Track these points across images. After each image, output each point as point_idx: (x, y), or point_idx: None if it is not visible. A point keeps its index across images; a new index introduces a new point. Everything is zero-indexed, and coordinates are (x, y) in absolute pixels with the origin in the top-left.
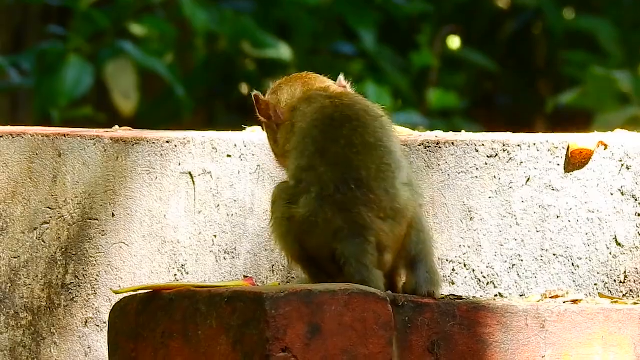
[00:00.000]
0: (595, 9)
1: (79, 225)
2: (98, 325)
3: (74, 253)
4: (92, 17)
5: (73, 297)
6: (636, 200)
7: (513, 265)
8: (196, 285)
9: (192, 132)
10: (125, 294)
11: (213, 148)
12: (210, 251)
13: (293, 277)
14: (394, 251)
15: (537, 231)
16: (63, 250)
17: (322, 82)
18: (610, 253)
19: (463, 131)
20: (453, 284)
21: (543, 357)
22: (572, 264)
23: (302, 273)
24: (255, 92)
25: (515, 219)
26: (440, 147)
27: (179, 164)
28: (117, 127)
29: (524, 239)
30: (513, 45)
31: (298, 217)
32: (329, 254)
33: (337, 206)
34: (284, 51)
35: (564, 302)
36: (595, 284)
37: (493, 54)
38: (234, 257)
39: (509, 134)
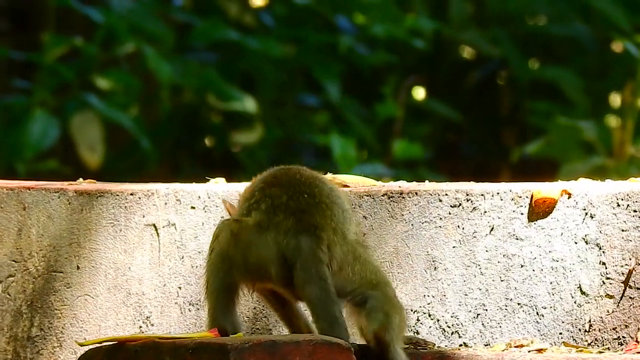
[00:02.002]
0: (560, 59)
1: (44, 278)
2: None
3: (39, 306)
4: (57, 70)
5: (39, 350)
6: (600, 248)
7: (478, 314)
8: (161, 337)
9: (156, 184)
10: (91, 346)
11: (177, 200)
12: (175, 303)
13: (258, 328)
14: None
15: (502, 280)
16: (28, 303)
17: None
18: (575, 302)
19: (427, 181)
20: (417, 333)
21: None
22: (537, 313)
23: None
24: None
25: (480, 268)
26: (403, 197)
27: (143, 216)
28: (81, 179)
29: (489, 288)
30: (478, 95)
31: (245, 229)
32: (276, 260)
33: (290, 211)
34: (248, 103)
35: (529, 352)
36: (560, 333)
37: (458, 104)
38: (198, 309)
39: (472, 183)
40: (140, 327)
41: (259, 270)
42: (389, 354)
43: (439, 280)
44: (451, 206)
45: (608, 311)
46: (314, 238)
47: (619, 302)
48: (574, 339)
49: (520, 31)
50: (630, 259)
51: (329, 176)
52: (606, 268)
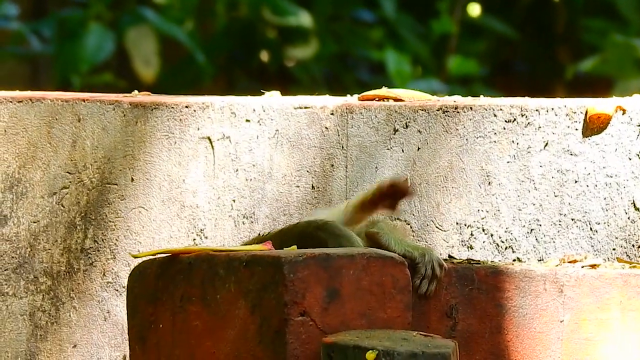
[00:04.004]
0: None
1: (98, 189)
2: (117, 290)
3: (93, 217)
4: None
5: (92, 262)
6: None
7: (531, 229)
8: (215, 250)
9: (211, 97)
10: (144, 258)
11: (232, 113)
12: (229, 215)
13: None
14: None
15: (556, 196)
16: (82, 214)
17: None
18: (629, 218)
19: (482, 96)
20: (471, 248)
21: (561, 321)
22: (590, 229)
23: None
24: None
25: (534, 183)
26: (458, 112)
27: (198, 129)
28: (136, 92)
29: (542, 203)
30: (533, 12)
31: None
32: None
33: None
34: (304, 18)
35: (582, 267)
36: (614, 249)
37: (512, 21)
38: (252, 222)
39: (526, 98)
40: (194, 239)
41: None
42: (380, 240)
43: (493, 195)
44: (506, 121)
45: None
46: None
47: None
48: (627, 255)
49: None
50: None
51: (383, 89)
52: None
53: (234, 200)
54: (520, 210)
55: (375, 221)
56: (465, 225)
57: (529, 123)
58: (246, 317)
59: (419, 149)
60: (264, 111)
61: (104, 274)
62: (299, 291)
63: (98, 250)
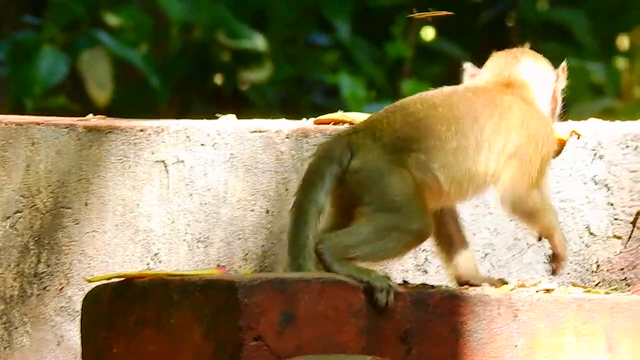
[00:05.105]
0: (570, 0)
1: (52, 214)
2: (70, 314)
3: (47, 242)
4: (67, 6)
5: (45, 286)
6: (609, 189)
7: (486, 254)
8: (169, 274)
9: (166, 121)
10: (98, 283)
11: (186, 137)
12: (184, 240)
13: (266, 266)
14: None
15: (510, 220)
16: (36, 239)
17: None
18: (583, 242)
19: None
20: (426, 272)
21: (515, 346)
22: (545, 254)
23: None
24: None
25: (488, 208)
26: None
27: (153, 153)
28: (91, 115)
29: (497, 228)
30: (487, 36)
31: None
32: None
33: None
34: (258, 41)
35: (537, 291)
36: (568, 274)
37: (467, 45)
38: (207, 246)
39: None
40: (148, 264)
41: None
42: (324, 262)
43: None
44: None
45: (616, 252)
46: None
47: (626, 243)
48: (581, 280)
49: None
50: (638, 200)
51: (339, 113)
52: (614, 209)
53: (188, 225)
54: (474, 234)
55: (322, 238)
56: (420, 249)
57: None
58: (201, 342)
59: None
60: (218, 135)
61: (57, 298)
62: (253, 316)
63: (52, 275)
